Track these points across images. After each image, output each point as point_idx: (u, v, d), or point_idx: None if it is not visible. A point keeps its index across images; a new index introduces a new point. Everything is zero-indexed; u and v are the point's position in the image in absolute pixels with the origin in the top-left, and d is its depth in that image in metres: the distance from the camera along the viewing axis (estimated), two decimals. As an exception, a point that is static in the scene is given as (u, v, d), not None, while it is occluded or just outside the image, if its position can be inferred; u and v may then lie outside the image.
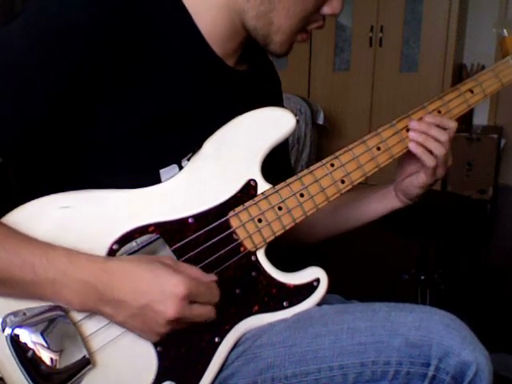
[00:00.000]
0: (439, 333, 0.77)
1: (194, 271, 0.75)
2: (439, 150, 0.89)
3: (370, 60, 3.80)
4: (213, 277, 0.76)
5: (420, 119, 0.90)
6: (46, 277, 0.69)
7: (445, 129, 0.90)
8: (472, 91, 0.95)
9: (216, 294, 0.75)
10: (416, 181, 0.94)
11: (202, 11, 0.83)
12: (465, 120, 3.72)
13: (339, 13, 0.86)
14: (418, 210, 1.96)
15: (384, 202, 1.00)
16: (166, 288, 0.70)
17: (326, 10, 0.85)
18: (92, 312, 0.73)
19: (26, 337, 0.70)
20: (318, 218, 0.97)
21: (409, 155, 0.92)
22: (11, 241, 0.70)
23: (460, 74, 3.75)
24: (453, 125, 0.90)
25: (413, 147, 0.89)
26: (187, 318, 0.72)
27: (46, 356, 0.70)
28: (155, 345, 0.77)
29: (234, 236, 0.82)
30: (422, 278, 2.18)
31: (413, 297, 2.15)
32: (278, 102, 1.05)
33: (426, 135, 0.89)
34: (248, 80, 0.93)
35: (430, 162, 0.89)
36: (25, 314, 0.71)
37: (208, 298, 0.74)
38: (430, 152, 0.89)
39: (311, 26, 0.87)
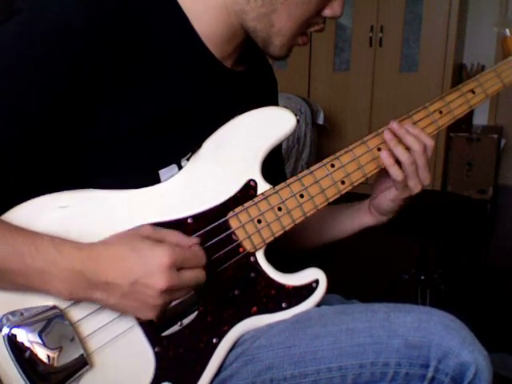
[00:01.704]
0: (438, 333, 0.77)
1: (175, 236, 0.75)
2: (405, 157, 0.87)
3: (370, 60, 3.80)
4: (194, 239, 0.76)
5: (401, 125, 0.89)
6: (35, 267, 0.69)
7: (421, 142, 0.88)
8: (473, 92, 0.94)
9: (201, 255, 0.75)
10: (388, 194, 0.93)
11: (199, 13, 0.83)
12: (465, 120, 3.72)
13: (340, 15, 0.85)
14: (418, 210, 1.97)
15: (356, 219, 1.00)
16: (151, 261, 0.70)
17: (327, 12, 0.84)
18: (82, 300, 0.73)
19: (24, 337, 0.70)
20: (304, 229, 0.98)
21: (385, 171, 0.90)
22: (0, 231, 0.70)
23: (460, 73, 3.75)
24: (430, 142, 0.88)
25: (383, 156, 0.88)
26: (178, 285, 0.72)
27: (44, 356, 0.70)
28: (153, 345, 0.77)
29: (234, 237, 0.82)
30: (422, 278, 2.19)
31: (413, 297, 2.16)
32: (274, 102, 1.05)
33: (398, 140, 0.88)
34: (246, 81, 0.93)
35: (396, 174, 0.88)
36: (22, 314, 0.71)
37: (195, 261, 0.74)
38: (399, 164, 0.88)
39: (311, 29, 0.87)
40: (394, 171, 0.88)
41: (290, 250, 1.04)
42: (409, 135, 0.88)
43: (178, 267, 0.71)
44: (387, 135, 0.88)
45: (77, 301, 0.73)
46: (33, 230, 0.71)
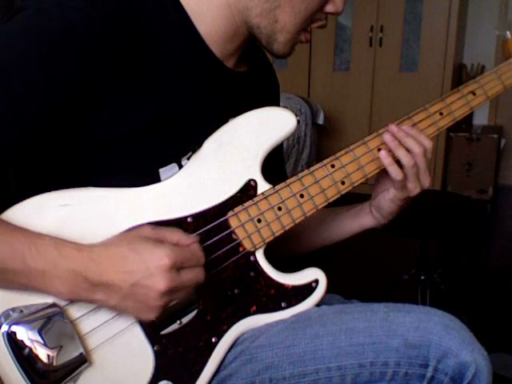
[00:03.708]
0: (438, 333, 0.77)
1: (175, 235, 0.74)
2: (406, 160, 0.86)
3: (370, 60, 3.79)
4: (193, 238, 0.76)
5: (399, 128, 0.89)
6: (36, 267, 0.69)
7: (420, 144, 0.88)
8: (474, 93, 0.94)
9: (200, 255, 0.75)
10: (387, 194, 0.92)
11: (202, 12, 0.83)
12: (465, 120, 3.71)
13: (342, 11, 0.86)
14: (418, 210, 1.97)
15: (356, 220, 0.99)
16: (151, 263, 0.70)
17: (330, 8, 0.85)
18: (83, 301, 0.73)
19: (23, 334, 0.70)
20: (304, 230, 0.98)
21: (384, 171, 0.90)
22: (1, 231, 0.70)
23: (460, 74, 3.75)
24: (428, 144, 0.88)
25: (382, 155, 0.87)
26: (179, 286, 0.72)
27: (43, 353, 0.70)
28: (152, 344, 0.77)
29: (233, 236, 0.82)
30: (422, 278, 2.18)
31: (413, 297, 2.15)
32: (276, 102, 1.05)
33: (399, 142, 0.87)
34: (247, 81, 0.93)
35: (396, 173, 0.87)
36: (22, 311, 0.71)
37: (195, 261, 0.74)
38: (399, 164, 0.87)
39: (314, 25, 0.87)
40: (393, 170, 0.87)
41: (290, 252, 1.04)
42: (409, 137, 0.87)
43: (177, 267, 0.71)
44: (387, 137, 0.88)
45: (77, 301, 0.73)
46: (34, 231, 0.71)
